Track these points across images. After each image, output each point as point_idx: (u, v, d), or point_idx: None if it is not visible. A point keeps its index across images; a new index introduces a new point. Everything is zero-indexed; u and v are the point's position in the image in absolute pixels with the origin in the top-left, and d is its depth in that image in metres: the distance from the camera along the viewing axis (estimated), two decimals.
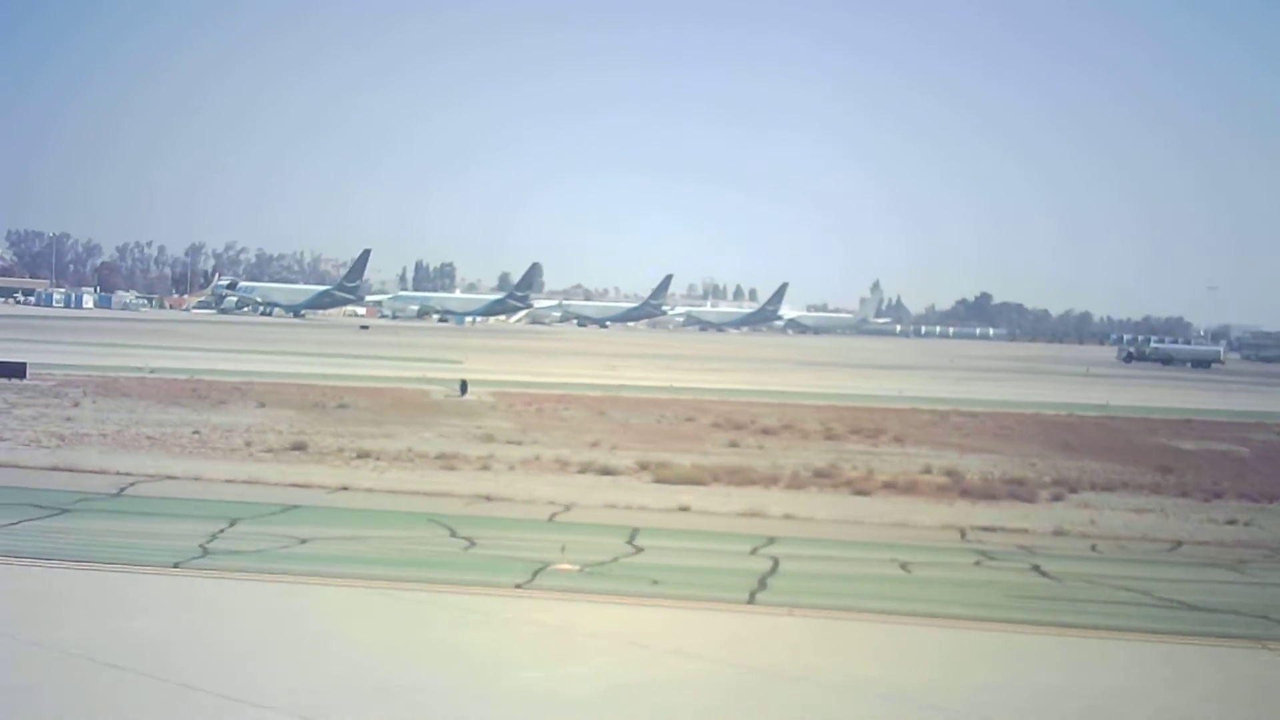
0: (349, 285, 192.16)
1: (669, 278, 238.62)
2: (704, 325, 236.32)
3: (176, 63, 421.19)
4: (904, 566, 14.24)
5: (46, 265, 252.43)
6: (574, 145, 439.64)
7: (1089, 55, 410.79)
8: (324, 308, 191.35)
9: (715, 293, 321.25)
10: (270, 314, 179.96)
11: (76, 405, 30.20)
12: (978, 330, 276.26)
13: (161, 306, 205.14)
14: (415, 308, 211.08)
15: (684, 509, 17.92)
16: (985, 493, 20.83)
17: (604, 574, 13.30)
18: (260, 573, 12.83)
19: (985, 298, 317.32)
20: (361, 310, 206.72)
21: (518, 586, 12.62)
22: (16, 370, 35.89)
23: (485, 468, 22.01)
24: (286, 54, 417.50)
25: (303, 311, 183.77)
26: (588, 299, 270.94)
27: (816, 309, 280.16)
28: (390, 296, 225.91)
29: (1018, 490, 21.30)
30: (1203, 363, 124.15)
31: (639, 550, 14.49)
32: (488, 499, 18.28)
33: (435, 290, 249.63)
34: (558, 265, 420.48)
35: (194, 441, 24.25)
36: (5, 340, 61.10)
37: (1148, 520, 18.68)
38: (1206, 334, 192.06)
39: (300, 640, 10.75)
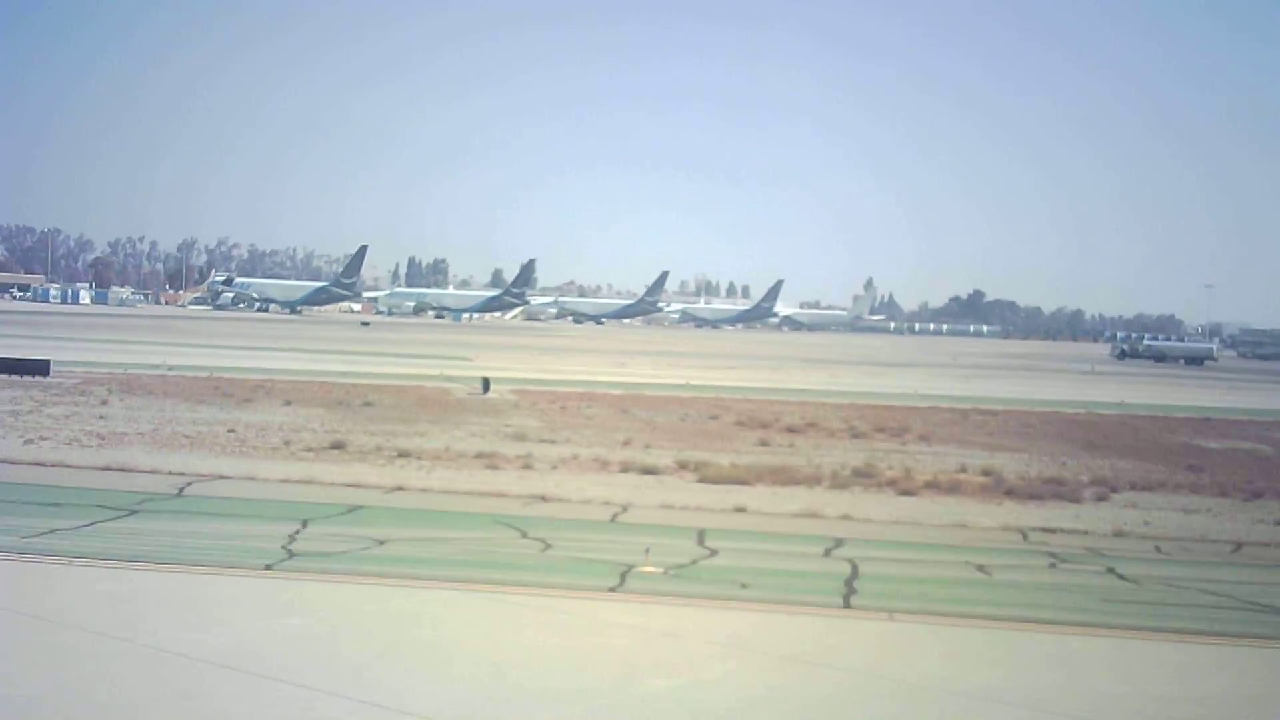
0: (346, 282, 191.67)
1: (665, 274, 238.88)
2: (699, 322, 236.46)
3: (168, 60, 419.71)
4: (981, 569, 14.31)
5: (38, 260, 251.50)
6: (567, 142, 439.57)
7: (1090, 51, 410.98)
8: (320, 304, 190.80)
9: (708, 290, 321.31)
10: (266, 310, 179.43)
11: (105, 403, 30.22)
12: (971, 328, 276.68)
13: (157, 302, 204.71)
14: (411, 304, 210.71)
15: (740, 509, 18.00)
16: (1029, 493, 20.92)
17: (689, 576, 13.34)
18: (353, 575, 12.87)
19: (978, 295, 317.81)
20: (357, 307, 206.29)
21: (611, 590, 12.67)
22: (40, 368, 35.87)
23: (527, 467, 22.07)
24: (278, 51, 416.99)
25: (299, 308, 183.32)
26: (581, 295, 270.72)
27: (809, 306, 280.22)
28: (386, 293, 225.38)
29: (1059, 490, 21.40)
30: (1196, 360, 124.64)
31: (713, 552, 14.55)
32: (543, 499, 18.35)
33: (428, 286, 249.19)
34: (551, 262, 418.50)
35: (232, 440, 24.29)
36: (15, 337, 60.99)
37: (1197, 521, 18.81)
38: (1199, 331, 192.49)
39: (425, 644, 10.69)
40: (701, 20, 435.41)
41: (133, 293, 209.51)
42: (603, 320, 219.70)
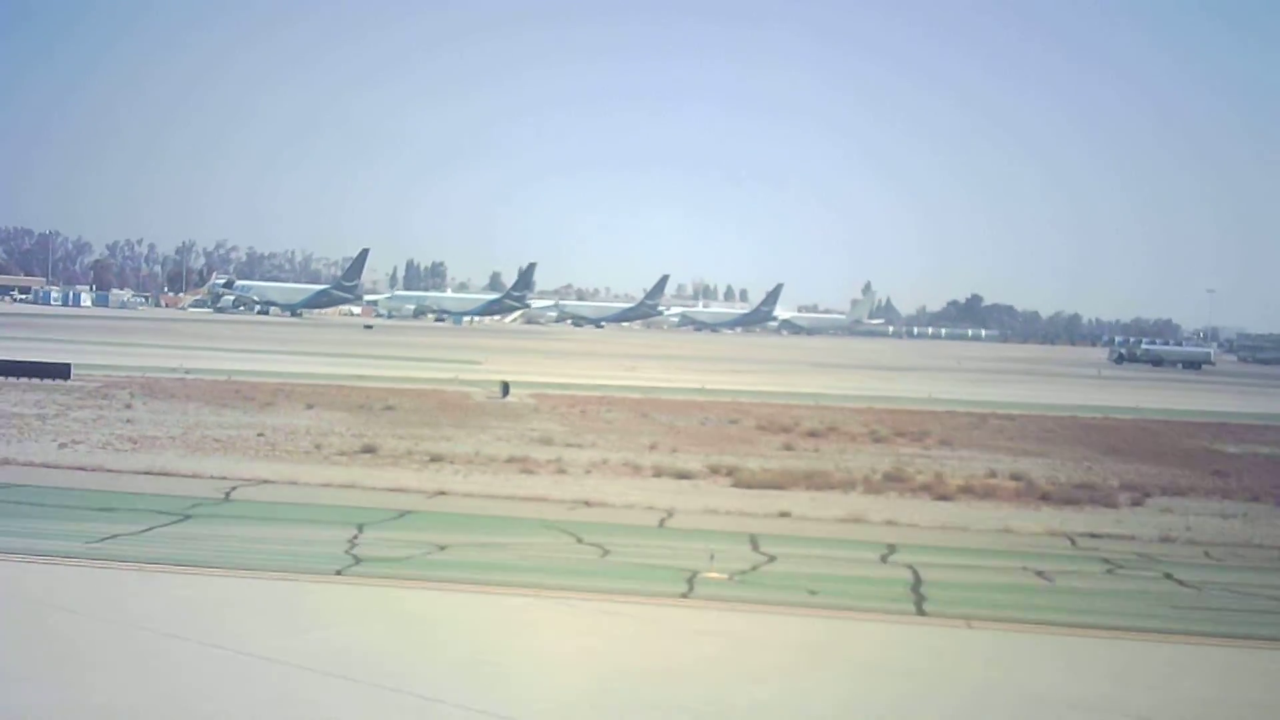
0: (347, 285, 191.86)
1: (665, 278, 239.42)
2: (699, 326, 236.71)
3: (165, 62, 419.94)
4: (1041, 575, 14.36)
5: (36, 263, 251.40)
6: (564, 144, 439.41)
7: (1092, 54, 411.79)
8: (321, 307, 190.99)
9: (706, 293, 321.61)
10: (267, 313, 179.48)
11: (129, 407, 30.25)
12: (969, 332, 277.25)
13: (158, 305, 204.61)
14: (411, 307, 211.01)
15: (784, 514, 18.04)
16: (1064, 498, 20.97)
17: (754, 583, 13.36)
18: (424, 580, 12.86)
19: (976, 299, 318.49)
20: (357, 310, 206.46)
21: (683, 596, 12.68)
22: (61, 371, 35.91)
23: (561, 471, 22.13)
24: (275, 54, 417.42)
25: (300, 311, 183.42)
26: (579, 299, 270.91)
27: (807, 310, 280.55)
28: (387, 296, 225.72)
29: (1093, 495, 21.43)
30: (1193, 364, 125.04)
31: (771, 558, 14.56)
32: (586, 504, 18.40)
33: (426, 289, 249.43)
34: (548, 265, 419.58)
35: (262, 444, 24.33)
36: (24, 340, 61.03)
37: (1236, 526, 18.89)
38: (1202, 336, 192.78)
39: (518, 652, 10.62)
40: (700, 22, 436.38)
41: (133, 295, 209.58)
42: (602, 324, 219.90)
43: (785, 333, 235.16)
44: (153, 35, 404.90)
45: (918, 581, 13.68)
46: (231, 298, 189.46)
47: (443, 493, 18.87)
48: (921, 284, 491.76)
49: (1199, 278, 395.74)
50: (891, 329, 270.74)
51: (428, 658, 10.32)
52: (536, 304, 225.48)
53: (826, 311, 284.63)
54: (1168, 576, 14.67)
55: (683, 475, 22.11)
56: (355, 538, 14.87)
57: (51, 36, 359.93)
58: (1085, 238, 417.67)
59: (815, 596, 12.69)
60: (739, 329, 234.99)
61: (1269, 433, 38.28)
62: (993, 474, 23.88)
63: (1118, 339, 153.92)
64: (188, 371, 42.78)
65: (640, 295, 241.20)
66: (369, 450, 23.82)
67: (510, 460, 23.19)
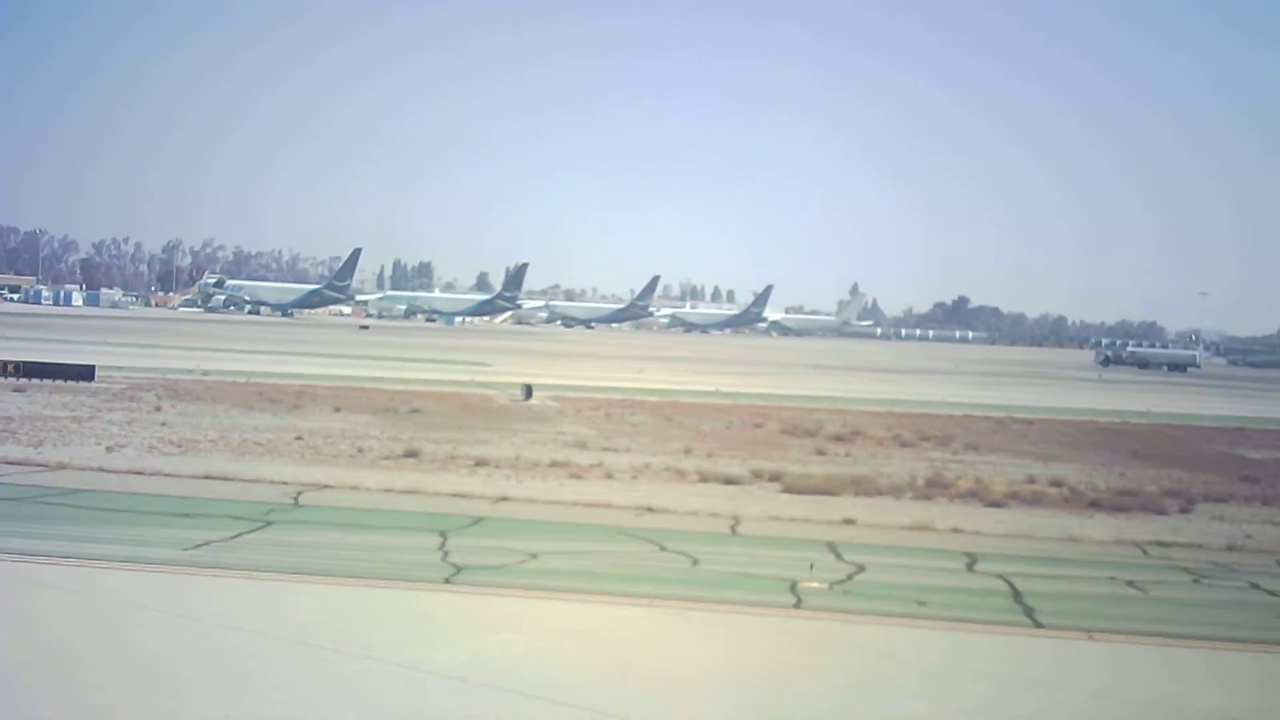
0: (338, 285, 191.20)
1: (656, 279, 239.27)
2: (689, 327, 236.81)
3: (155, 63, 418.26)
4: (1133, 585, 14.45)
5: (22, 261, 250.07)
6: (553, 145, 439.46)
7: (1094, 55, 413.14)
8: (312, 307, 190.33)
9: (694, 294, 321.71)
10: (258, 313, 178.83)
11: (159, 409, 30.20)
12: (956, 333, 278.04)
13: (148, 304, 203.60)
14: (403, 307, 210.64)
15: (849, 522, 18.15)
16: (1113, 505, 21.10)
17: (856, 593, 13.37)
18: (531, 589, 12.85)
19: (963, 301, 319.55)
20: (348, 310, 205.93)
21: (795, 606, 12.70)
22: (85, 373, 35.83)
23: (609, 476, 22.19)
24: (265, 55, 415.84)
25: (291, 311, 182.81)
26: (568, 299, 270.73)
27: (794, 311, 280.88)
28: (378, 296, 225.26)
29: (1139, 502, 21.59)
30: (1179, 367, 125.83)
31: (860, 568, 14.59)
32: (649, 510, 18.48)
33: (414, 289, 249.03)
34: (536, 265, 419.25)
35: (303, 447, 24.35)
36: (24, 340, 60.82)
37: None
38: (1192, 339, 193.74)
39: (662, 663, 10.61)
40: (697, 21, 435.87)
41: (124, 295, 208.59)
42: (593, 325, 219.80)
43: (774, 334, 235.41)
44: (139, 35, 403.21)
45: (1016, 592, 13.72)
46: (222, 297, 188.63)
47: (505, 498, 18.91)
48: (908, 286, 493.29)
49: (1191, 280, 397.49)
50: (879, 331, 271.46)
51: (574, 668, 10.36)
52: (527, 305, 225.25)
53: (814, 313, 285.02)
54: (1255, 586, 14.78)
55: (730, 481, 22.19)
56: (443, 545, 14.86)
57: (36, 38, 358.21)
58: (1079, 240, 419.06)
59: (922, 607, 12.67)
60: (728, 330, 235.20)
61: None
62: (1032, 480, 24.01)
63: (1104, 341, 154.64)
64: (205, 373, 42.73)
65: (628, 296, 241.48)
66: (411, 454, 23.86)
67: (554, 465, 23.26)
